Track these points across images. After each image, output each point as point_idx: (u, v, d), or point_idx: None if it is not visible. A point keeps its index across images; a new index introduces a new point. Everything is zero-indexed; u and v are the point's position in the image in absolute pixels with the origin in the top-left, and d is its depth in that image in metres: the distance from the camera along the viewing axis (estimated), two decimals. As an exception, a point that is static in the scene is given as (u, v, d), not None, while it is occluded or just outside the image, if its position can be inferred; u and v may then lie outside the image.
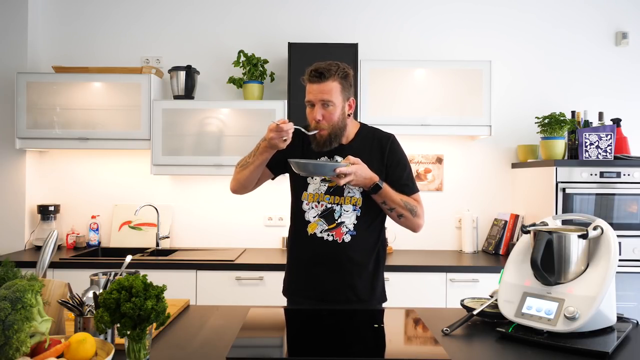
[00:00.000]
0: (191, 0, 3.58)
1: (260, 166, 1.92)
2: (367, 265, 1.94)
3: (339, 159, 1.90)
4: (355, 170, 1.75)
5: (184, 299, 1.89)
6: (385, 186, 1.84)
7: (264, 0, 3.57)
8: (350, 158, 1.78)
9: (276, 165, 1.98)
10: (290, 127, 1.78)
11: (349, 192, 1.90)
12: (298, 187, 1.97)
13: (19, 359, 1.10)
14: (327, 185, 1.91)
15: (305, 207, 1.93)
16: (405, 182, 1.95)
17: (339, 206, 1.90)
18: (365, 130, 2.02)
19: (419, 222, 1.94)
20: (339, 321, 1.70)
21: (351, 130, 1.98)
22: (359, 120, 3.17)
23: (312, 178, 1.93)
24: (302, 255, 1.97)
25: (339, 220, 1.90)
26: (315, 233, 1.91)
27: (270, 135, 1.79)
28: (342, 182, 1.74)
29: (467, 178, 3.55)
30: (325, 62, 1.88)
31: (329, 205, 1.90)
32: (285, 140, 1.79)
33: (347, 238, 1.89)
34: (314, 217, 1.92)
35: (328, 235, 1.90)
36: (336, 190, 1.90)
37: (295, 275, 2.01)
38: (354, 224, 1.90)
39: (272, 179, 2.06)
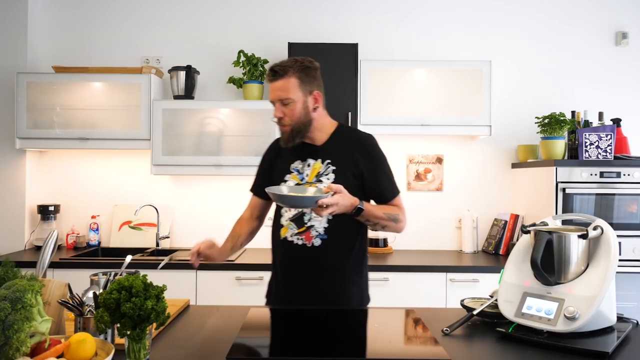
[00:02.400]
0: (191, 0, 3.58)
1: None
2: (342, 270, 1.87)
3: (320, 186, 1.79)
4: (338, 200, 1.65)
5: (184, 299, 1.89)
6: (366, 207, 1.76)
7: (264, 0, 3.57)
8: (332, 186, 1.67)
9: (263, 191, 1.85)
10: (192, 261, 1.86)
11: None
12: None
13: (19, 359, 1.10)
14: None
15: (282, 210, 1.92)
16: (386, 186, 1.91)
17: (310, 209, 1.82)
18: (342, 131, 1.96)
19: (402, 226, 1.91)
20: (337, 321, 1.70)
21: (326, 129, 1.93)
22: (359, 120, 3.19)
23: (284, 183, 1.89)
24: (276, 260, 1.96)
25: (308, 224, 1.85)
26: (286, 237, 1.88)
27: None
28: (325, 213, 1.64)
29: (467, 178, 3.55)
30: (284, 60, 1.89)
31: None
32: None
33: (317, 242, 1.83)
34: (286, 220, 1.89)
35: (298, 239, 1.86)
36: None
37: (273, 280, 2.00)
38: (324, 227, 1.83)
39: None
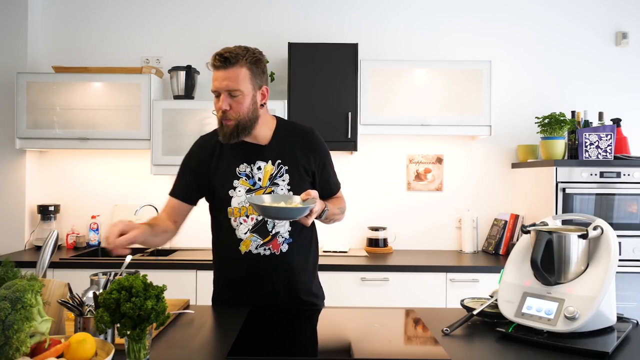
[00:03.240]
0: (192, 0, 3.58)
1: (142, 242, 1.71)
2: (306, 268, 1.85)
3: (277, 189, 1.74)
4: (320, 206, 1.63)
5: (184, 299, 1.89)
6: (329, 207, 1.72)
7: (264, 0, 3.57)
8: (311, 192, 1.61)
9: (189, 195, 1.84)
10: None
11: None
12: (220, 202, 1.79)
13: (19, 359, 1.10)
14: (253, 195, 1.73)
15: (233, 223, 1.77)
16: (333, 180, 1.90)
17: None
18: (284, 126, 1.85)
19: (344, 215, 1.91)
20: (337, 321, 1.70)
21: (268, 126, 1.81)
22: (359, 120, 3.19)
23: (234, 190, 1.76)
24: (235, 275, 1.82)
25: (273, 232, 1.76)
26: (250, 250, 1.76)
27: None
28: (310, 221, 1.61)
29: (467, 178, 3.55)
30: (232, 47, 1.72)
31: (260, 217, 1.74)
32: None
33: (285, 247, 1.77)
34: (245, 233, 1.76)
35: (265, 250, 1.76)
36: None
37: (227, 294, 1.87)
38: (288, 231, 1.77)
39: (194, 205, 1.89)
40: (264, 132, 1.79)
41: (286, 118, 3.18)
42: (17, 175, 3.37)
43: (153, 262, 2.94)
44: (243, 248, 1.77)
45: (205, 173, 1.81)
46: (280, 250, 1.77)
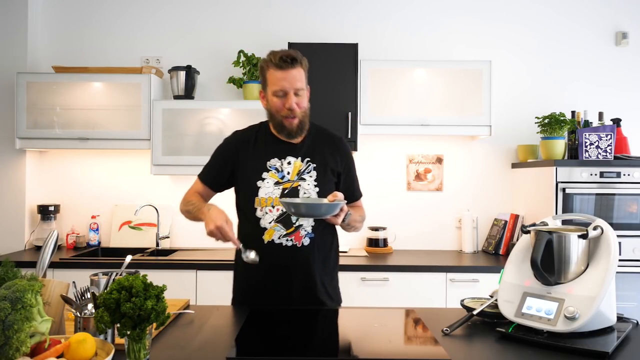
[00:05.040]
0: (191, 0, 3.58)
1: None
2: (326, 267, 1.90)
3: (303, 184, 1.83)
4: (345, 207, 1.72)
5: (184, 299, 1.89)
6: (351, 212, 1.81)
7: (264, 0, 3.57)
8: (337, 194, 1.70)
9: (217, 183, 1.94)
10: (228, 241, 1.69)
11: (304, 193, 1.82)
12: (248, 192, 1.85)
13: (19, 359, 1.10)
14: (280, 187, 1.82)
15: (259, 213, 1.82)
16: (357, 188, 1.99)
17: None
18: (316, 129, 1.94)
19: (363, 224, 2.00)
20: (337, 321, 1.70)
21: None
22: (359, 120, 3.19)
23: (262, 181, 1.83)
24: (258, 265, 1.81)
25: (296, 224, 1.82)
26: (273, 240, 1.81)
27: (211, 230, 1.68)
28: (340, 220, 1.71)
29: (467, 178, 3.55)
30: (288, 50, 1.85)
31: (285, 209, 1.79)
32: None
33: (307, 241, 1.83)
34: (270, 222, 1.81)
35: (287, 240, 1.81)
36: (291, 192, 1.82)
37: (248, 284, 1.90)
38: (312, 225, 1.83)
39: (218, 192, 1.99)
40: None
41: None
42: (17, 175, 3.37)
43: (153, 262, 2.94)
44: (266, 237, 1.82)
45: (236, 163, 1.89)
46: (302, 243, 1.83)
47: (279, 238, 1.81)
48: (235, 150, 1.91)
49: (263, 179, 1.84)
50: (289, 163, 1.85)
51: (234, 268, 1.98)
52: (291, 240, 1.82)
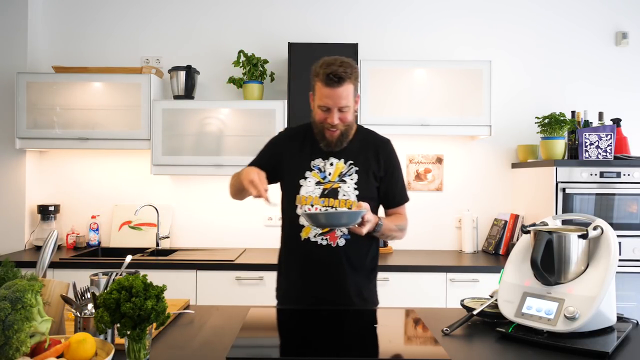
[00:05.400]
0: (192, 0, 3.58)
1: (245, 193, 1.86)
2: (362, 269, 1.91)
3: (344, 186, 1.85)
4: (372, 217, 1.75)
5: (184, 299, 1.89)
6: (384, 222, 1.84)
7: (264, 0, 3.57)
8: (362, 204, 1.75)
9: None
10: (263, 194, 1.72)
11: (343, 195, 1.84)
12: (290, 189, 1.90)
13: (19, 359, 1.10)
14: (321, 187, 1.85)
15: (299, 210, 1.86)
16: (399, 192, 1.97)
17: (334, 209, 1.83)
18: (363, 133, 1.97)
19: (405, 234, 2.00)
20: (337, 321, 1.70)
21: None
22: (359, 120, 3.19)
23: (304, 180, 1.87)
24: (296, 260, 1.91)
25: None
26: (309, 237, 1.85)
27: (247, 185, 1.73)
28: (365, 230, 1.72)
29: (467, 178, 3.55)
30: (337, 61, 1.78)
31: (323, 209, 1.84)
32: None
33: (342, 242, 1.85)
34: None
35: (322, 239, 1.84)
36: (330, 193, 1.85)
37: (288, 281, 1.96)
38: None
39: None
40: None
41: (286, 118, 3.18)
42: (17, 175, 3.37)
43: (153, 262, 2.94)
44: (303, 234, 1.86)
45: (282, 159, 1.93)
46: (337, 243, 1.85)
47: (314, 236, 1.85)
48: (283, 147, 1.95)
49: (305, 178, 1.88)
50: (331, 164, 1.88)
51: (277, 267, 2.03)
52: (326, 239, 1.85)
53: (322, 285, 1.87)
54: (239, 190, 1.92)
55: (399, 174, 1.97)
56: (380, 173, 1.91)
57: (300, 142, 1.93)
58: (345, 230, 1.84)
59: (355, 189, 1.85)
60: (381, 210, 2.01)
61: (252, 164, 1.99)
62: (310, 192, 1.86)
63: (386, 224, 1.85)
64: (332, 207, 1.83)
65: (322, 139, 1.87)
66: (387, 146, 1.96)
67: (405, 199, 2.00)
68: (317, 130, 1.88)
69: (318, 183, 1.86)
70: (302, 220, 1.85)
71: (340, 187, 1.85)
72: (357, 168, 1.88)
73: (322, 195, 1.84)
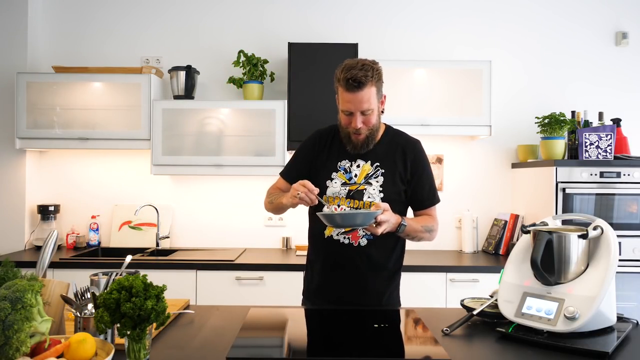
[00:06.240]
0: (192, 0, 3.58)
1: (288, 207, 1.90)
2: (384, 270, 1.92)
3: (369, 188, 1.85)
4: (389, 217, 1.72)
5: (184, 299, 1.89)
6: (408, 222, 1.82)
7: (264, 0, 3.57)
8: (380, 204, 1.74)
9: (296, 180, 1.90)
10: (312, 200, 1.74)
11: (368, 197, 1.85)
12: (318, 189, 1.89)
13: (19, 359, 1.10)
14: (347, 188, 1.86)
15: (325, 210, 1.86)
16: (427, 194, 1.94)
17: (354, 210, 1.83)
18: (392, 134, 1.96)
19: (434, 235, 1.96)
20: (338, 321, 1.70)
21: (380, 131, 1.93)
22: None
23: (330, 180, 1.88)
24: (319, 258, 1.93)
25: None
26: (331, 235, 1.87)
27: (297, 189, 1.74)
28: (380, 230, 1.70)
29: (467, 178, 3.55)
30: (359, 64, 1.76)
31: (348, 209, 1.85)
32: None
33: (364, 242, 1.86)
34: None
35: (344, 238, 1.86)
36: (356, 194, 1.86)
37: (312, 277, 1.98)
38: None
39: None
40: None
41: (286, 118, 3.18)
42: (17, 175, 3.37)
43: (153, 262, 2.94)
44: (327, 232, 1.88)
45: (312, 161, 1.95)
46: (359, 243, 1.86)
47: (337, 234, 1.86)
48: (313, 149, 1.96)
49: (332, 179, 1.89)
50: (358, 166, 1.89)
51: (305, 267, 2.04)
52: (348, 238, 1.86)
53: (342, 284, 1.89)
54: (281, 208, 1.94)
55: (427, 175, 1.95)
56: (407, 176, 1.90)
57: (328, 143, 1.95)
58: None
59: (380, 191, 1.86)
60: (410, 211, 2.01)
61: (284, 172, 2.03)
62: (336, 192, 1.87)
63: (411, 224, 1.83)
64: (357, 208, 1.84)
65: (348, 142, 1.88)
66: (416, 147, 1.94)
67: (434, 201, 1.96)
68: (343, 134, 1.89)
69: (344, 184, 1.87)
70: None
71: (365, 188, 1.86)
72: (383, 170, 1.88)
73: (348, 196, 1.86)
